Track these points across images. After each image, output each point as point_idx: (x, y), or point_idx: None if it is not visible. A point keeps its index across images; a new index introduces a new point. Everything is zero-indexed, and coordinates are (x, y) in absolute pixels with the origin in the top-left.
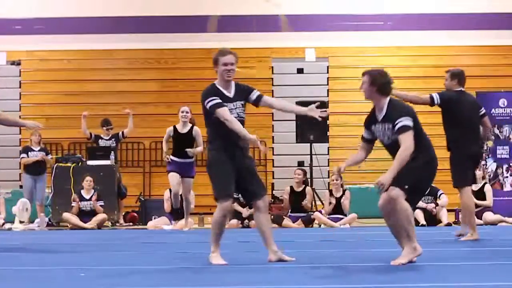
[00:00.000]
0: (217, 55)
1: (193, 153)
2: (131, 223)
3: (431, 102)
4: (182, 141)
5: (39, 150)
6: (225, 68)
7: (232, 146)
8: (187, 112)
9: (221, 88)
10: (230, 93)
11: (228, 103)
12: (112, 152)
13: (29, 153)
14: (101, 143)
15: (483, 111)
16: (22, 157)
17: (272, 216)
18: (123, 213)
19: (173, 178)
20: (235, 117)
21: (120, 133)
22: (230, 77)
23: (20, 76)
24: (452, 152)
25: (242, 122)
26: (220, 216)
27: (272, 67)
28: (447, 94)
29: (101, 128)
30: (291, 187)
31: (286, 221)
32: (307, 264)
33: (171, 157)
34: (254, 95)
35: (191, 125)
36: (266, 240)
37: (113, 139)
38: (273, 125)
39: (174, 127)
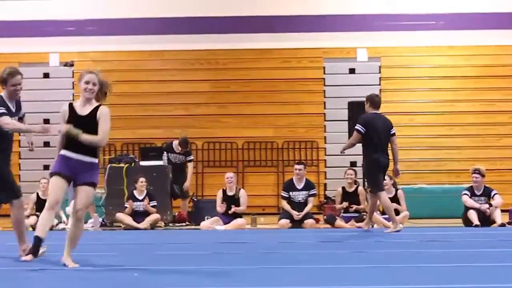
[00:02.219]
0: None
1: None
2: (182, 223)
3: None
4: None
5: None
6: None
7: None
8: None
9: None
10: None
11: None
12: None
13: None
14: (171, 157)
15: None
16: None
17: (325, 217)
18: (174, 214)
19: None
20: None
21: (190, 157)
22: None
23: (73, 77)
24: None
25: None
26: None
27: (324, 67)
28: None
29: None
30: (343, 188)
31: (339, 222)
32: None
33: None
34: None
35: None
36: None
37: (182, 157)
38: (325, 125)
39: None
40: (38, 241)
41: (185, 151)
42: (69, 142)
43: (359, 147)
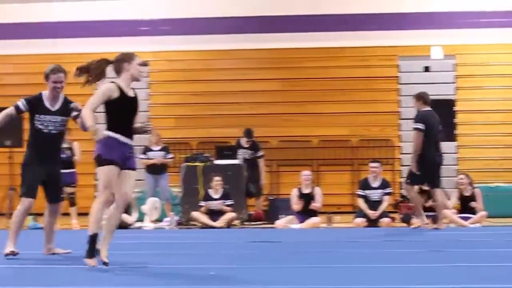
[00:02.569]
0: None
1: None
2: (258, 222)
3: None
4: None
5: (159, 150)
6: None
7: None
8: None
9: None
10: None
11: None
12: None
13: (148, 153)
14: (240, 152)
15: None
16: (141, 158)
17: (401, 215)
18: (250, 212)
19: None
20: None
21: (259, 153)
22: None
23: (148, 77)
24: None
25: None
26: None
27: (398, 65)
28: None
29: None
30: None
31: (415, 220)
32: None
33: None
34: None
35: None
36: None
37: (251, 152)
38: (400, 124)
39: None
40: (95, 239)
41: (253, 145)
42: (123, 126)
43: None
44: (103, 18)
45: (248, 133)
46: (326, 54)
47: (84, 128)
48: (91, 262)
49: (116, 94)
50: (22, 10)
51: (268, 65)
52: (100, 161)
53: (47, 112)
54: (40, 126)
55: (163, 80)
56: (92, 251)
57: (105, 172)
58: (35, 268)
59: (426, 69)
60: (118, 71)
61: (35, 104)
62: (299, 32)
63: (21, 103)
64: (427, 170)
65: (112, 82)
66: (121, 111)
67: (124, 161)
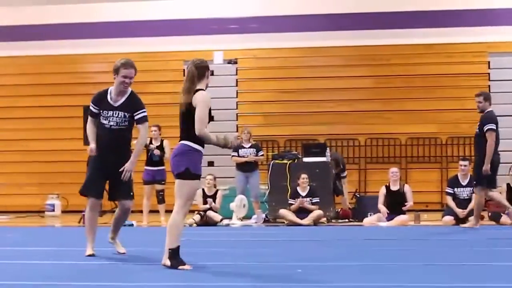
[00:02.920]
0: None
1: None
2: (345, 220)
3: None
4: None
5: (249, 147)
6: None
7: None
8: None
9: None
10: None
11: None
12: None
13: (240, 150)
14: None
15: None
16: (233, 155)
17: (489, 214)
18: (337, 210)
19: None
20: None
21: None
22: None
23: (236, 74)
24: None
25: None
26: None
27: (489, 61)
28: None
29: None
30: (508, 184)
31: (504, 219)
32: None
33: None
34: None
35: None
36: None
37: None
38: None
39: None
40: (178, 250)
41: (340, 169)
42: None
43: None
44: (193, 16)
45: (336, 164)
46: (415, 51)
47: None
48: (186, 266)
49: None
50: (114, 9)
51: (358, 62)
52: (189, 174)
53: (109, 107)
54: (103, 121)
55: (252, 77)
56: (181, 260)
57: (191, 186)
58: (113, 265)
59: None
60: (201, 77)
61: (100, 100)
62: (388, 29)
63: (91, 106)
64: (494, 171)
65: (203, 90)
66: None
67: None
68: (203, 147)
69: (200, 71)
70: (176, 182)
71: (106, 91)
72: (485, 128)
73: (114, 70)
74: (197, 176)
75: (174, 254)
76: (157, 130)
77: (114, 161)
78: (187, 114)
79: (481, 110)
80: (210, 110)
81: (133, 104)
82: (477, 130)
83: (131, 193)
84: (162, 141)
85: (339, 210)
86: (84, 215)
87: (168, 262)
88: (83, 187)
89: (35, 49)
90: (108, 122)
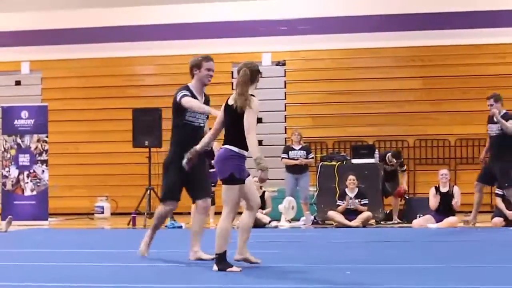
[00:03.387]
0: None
1: None
2: (394, 222)
3: None
4: None
5: (299, 149)
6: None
7: None
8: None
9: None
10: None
11: None
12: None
13: (290, 152)
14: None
15: None
16: (283, 157)
17: None
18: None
19: None
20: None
21: (403, 168)
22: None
23: (285, 76)
24: None
25: None
26: None
27: None
28: None
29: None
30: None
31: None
32: None
33: None
34: None
35: None
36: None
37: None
38: None
39: None
40: (225, 255)
41: (400, 164)
42: (244, 140)
43: None
44: (242, 18)
45: (398, 156)
46: (465, 52)
47: None
48: (235, 268)
49: None
50: (163, 12)
51: (408, 64)
52: (234, 180)
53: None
54: (191, 119)
55: (300, 79)
56: (228, 263)
57: (237, 190)
58: (169, 267)
59: None
60: (253, 81)
61: (193, 97)
62: (437, 29)
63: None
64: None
65: (254, 96)
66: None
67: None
68: (247, 151)
69: (253, 74)
70: (222, 188)
71: (188, 87)
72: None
73: (195, 66)
74: (242, 181)
75: (221, 258)
76: None
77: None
78: (236, 118)
79: (499, 112)
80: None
81: (208, 100)
82: (500, 131)
83: (212, 192)
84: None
85: (387, 211)
86: (133, 217)
87: (215, 267)
88: (167, 192)
89: (85, 52)
90: (197, 120)
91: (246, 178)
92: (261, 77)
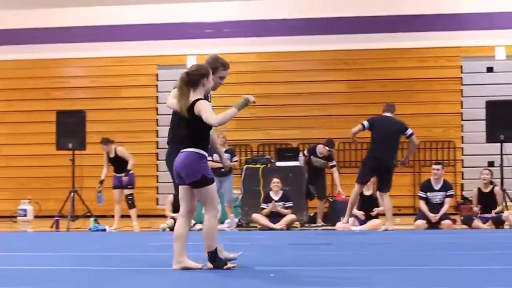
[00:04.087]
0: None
1: None
2: (318, 224)
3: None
4: None
5: (224, 152)
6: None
7: None
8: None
9: None
10: None
11: None
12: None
13: (214, 155)
14: (313, 160)
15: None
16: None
17: (461, 218)
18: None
19: None
20: None
21: (332, 162)
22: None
23: None
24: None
25: None
26: None
27: (462, 66)
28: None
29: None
30: (479, 188)
31: (476, 222)
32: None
33: None
34: None
35: None
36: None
37: (324, 162)
38: (462, 125)
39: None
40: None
41: (328, 155)
42: (206, 140)
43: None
44: (167, 21)
45: (331, 144)
46: (389, 56)
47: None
48: (230, 265)
49: None
50: (89, 14)
51: (331, 67)
52: (206, 180)
53: None
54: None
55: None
56: (223, 260)
57: (211, 190)
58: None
59: (490, 69)
60: (194, 85)
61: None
62: (362, 33)
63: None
64: None
65: (202, 99)
66: (208, 127)
67: None
68: (205, 149)
69: (193, 78)
70: (195, 191)
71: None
72: None
73: (212, 69)
74: (212, 180)
75: (215, 255)
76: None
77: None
78: (185, 121)
79: None
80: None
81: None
82: None
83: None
84: (115, 150)
85: (312, 214)
86: (57, 220)
87: (210, 265)
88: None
89: (8, 54)
90: None
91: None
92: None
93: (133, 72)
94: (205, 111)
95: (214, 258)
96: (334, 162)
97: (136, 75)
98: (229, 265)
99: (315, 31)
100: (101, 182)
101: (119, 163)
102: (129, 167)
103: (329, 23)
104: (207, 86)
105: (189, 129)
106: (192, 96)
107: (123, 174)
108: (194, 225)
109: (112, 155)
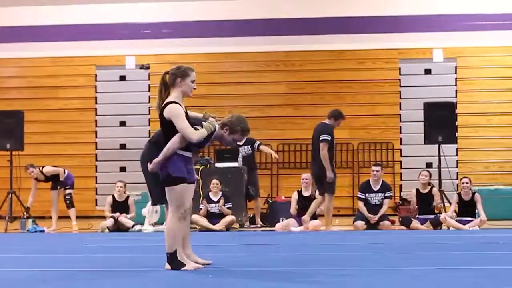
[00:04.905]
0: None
1: None
2: (257, 225)
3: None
4: None
5: None
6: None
7: None
8: None
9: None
10: None
11: None
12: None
13: None
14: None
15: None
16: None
17: (400, 218)
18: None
19: None
20: None
21: (256, 143)
22: None
23: (149, 79)
24: None
25: None
26: None
27: (400, 68)
28: None
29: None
30: (417, 189)
31: (415, 223)
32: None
33: None
34: None
35: None
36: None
37: (248, 146)
38: (400, 127)
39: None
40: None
41: (249, 139)
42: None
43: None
44: (105, 21)
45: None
46: (327, 57)
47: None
48: (189, 267)
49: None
50: (25, 13)
51: (269, 68)
52: (172, 179)
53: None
54: None
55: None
56: (180, 262)
57: (177, 190)
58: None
59: (427, 71)
60: (172, 85)
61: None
62: (300, 35)
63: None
64: None
65: (173, 102)
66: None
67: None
68: (186, 150)
69: (170, 78)
70: (165, 189)
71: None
72: None
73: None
74: (181, 180)
75: (173, 257)
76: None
77: None
78: (162, 125)
79: None
80: (187, 115)
81: None
82: None
83: None
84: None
85: (250, 215)
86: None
87: (168, 266)
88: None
89: None
90: None
91: (186, 178)
92: (124, 80)
93: (71, 73)
94: (179, 120)
95: (172, 260)
96: (257, 142)
97: (74, 75)
98: (188, 266)
99: (253, 33)
100: (28, 209)
101: (53, 179)
102: (61, 178)
103: (267, 24)
104: (184, 88)
105: (162, 131)
106: (168, 98)
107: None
108: (133, 226)
109: (41, 178)
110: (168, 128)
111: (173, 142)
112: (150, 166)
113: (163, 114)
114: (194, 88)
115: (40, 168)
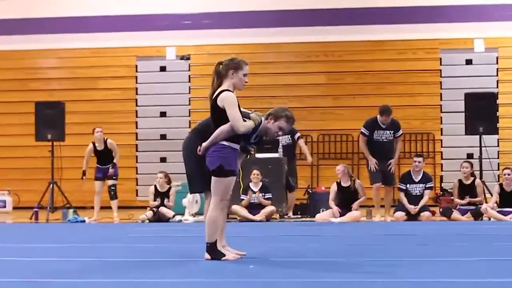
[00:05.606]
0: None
1: None
2: (298, 216)
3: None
4: None
5: None
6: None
7: None
8: None
9: None
10: None
11: None
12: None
13: None
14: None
15: None
16: None
17: (441, 209)
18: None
19: None
20: None
21: (297, 135)
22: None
23: (189, 70)
24: None
25: None
26: None
27: (441, 58)
28: None
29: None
30: (460, 180)
31: (455, 214)
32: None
33: None
34: None
35: None
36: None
37: (288, 136)
38: (441, 117)
39: None
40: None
41: (291, 130)
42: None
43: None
44: (146, 12)
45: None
46: (368, 48)
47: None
48: (229, 257)
49: None
50: (66, 4)
51: (309, 59)
52: (223, 172)
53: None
54: None
55: (205, 73)
56: (220, 252)
57: (226, 183)
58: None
59: (468, 62)
60: (225, 76)
61: None
62: (341, 25)
63: None
64: None
65: (228, 90)
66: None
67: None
68: (237, 143)
69: (223, 69)
70: (212, 179)
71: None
72: None
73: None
74: (231, 173)
75: (213, 247)
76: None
77: None
78: (213, 113)
79: None
80: (239, 107)
81: None
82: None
83: None
84: (105, 141)
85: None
86: (36, 211)
87: (207, 256)
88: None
89: None
90: None
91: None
92: (165, 70)
93: (111, 63)
94: (232, 108)
95: (212, 250)
96: (298, 134)
97: (114, 66)
98: (228, 256)
99: (293, 23)
100: (84, 172)
101: (106, 156)
102: (115, 160)
103: (307, 15)
104: (235, 81)
105: (214, 121)
106: (221, 87)
107: (109, 166)
108: (174, 216)
109: (101, 147)
110: (219, 116)
111: (222, 130)
112: (200, 150)
113: (217, 101)
114: (246, 82)
115: (106, 138)
